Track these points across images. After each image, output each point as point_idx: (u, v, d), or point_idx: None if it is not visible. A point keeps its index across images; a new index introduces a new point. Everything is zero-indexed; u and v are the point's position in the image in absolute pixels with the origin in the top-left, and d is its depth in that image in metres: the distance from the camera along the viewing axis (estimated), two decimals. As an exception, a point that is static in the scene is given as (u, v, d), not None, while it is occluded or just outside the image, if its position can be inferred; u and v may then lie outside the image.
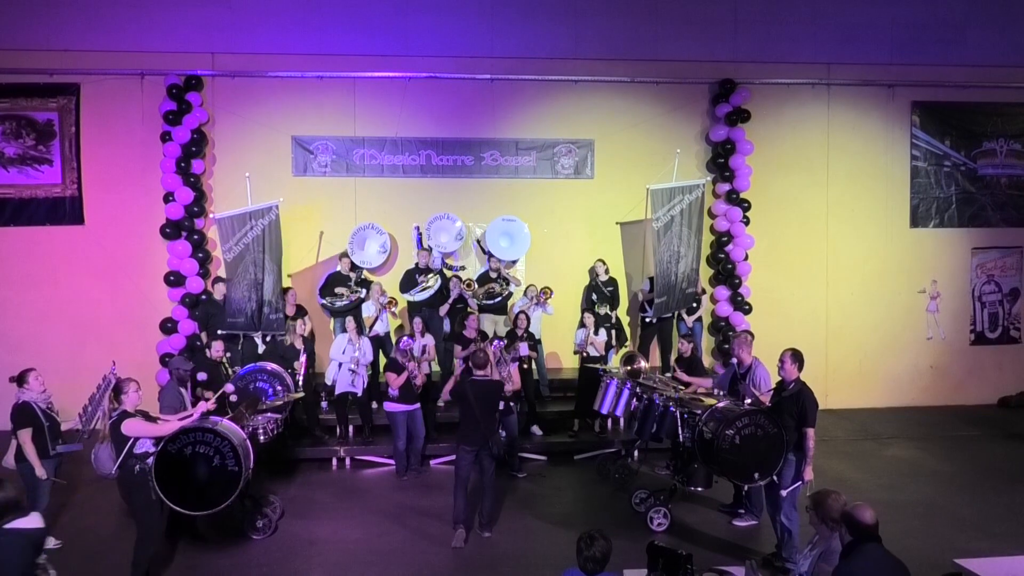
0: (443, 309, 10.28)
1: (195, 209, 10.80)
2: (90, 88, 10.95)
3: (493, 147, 11.63)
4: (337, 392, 9.45)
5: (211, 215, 10.51)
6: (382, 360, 10.05)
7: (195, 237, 10.81)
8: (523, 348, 9.48)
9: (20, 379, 6.73)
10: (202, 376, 8.46)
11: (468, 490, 7.30)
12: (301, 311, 10.44)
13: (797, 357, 6.65)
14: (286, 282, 10.56)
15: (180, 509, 6.29)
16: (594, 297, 10.75)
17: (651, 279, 10.74)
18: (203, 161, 11.01)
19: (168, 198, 10.70)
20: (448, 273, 10.69)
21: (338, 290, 10.38)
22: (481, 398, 7.13)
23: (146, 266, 10.97)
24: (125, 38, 10.89)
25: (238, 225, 9.91)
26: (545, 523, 7.66)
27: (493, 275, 10.63)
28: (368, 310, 10.22)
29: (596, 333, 9.88)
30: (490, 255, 10.84)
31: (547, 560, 6.72)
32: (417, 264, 10.55)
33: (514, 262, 11.31)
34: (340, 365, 9.36)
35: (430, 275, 10.41)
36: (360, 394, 9.42)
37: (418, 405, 8.98)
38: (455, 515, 7.23)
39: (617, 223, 11.66)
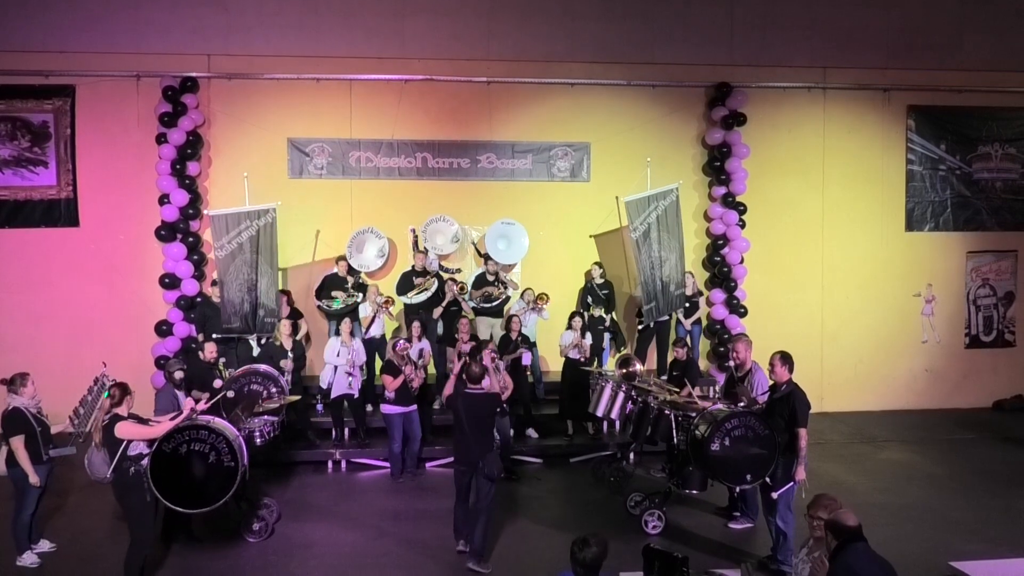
0: (436, 311, 10.24)
1: (190, 211, 10.76)
2: (85, 90, 10.91)
3: (489, 150, 11.62)
4: (333, 395, 9.40)
5: (205, 212, 10.44)
6: (378, 363, 10.04)
7: (190, 239, 10.77)
8: (526, 357, 9.46)
9: (11, 384, 6.64)
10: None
11: (470, 502, 6.82)
12: (296, 313, 10.42)
13: (786, 359, 6.68)
14: (280, 283, 10.52)
15: (178, 508, 6.27)
16: (589, 300, 10.75)
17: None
18: (199, 163, 10.98)
19: (163, 200, 10.67)
20: (444, 276, 10.67)
21: (334, 293, 10.37)
22: (473, 414, 6.58)
23: (141, 268, 10.93)
24: (121, 40, 10.84)
25: (232, 224, 9.93)
26: (540, 526, 7.64)
27: (490, 278, 10.61)
28: (365, 310, 10.21)
29: (583, 336, 9.84)
30: (487, 258, 10.82)
31: (542, 563, 6.70)
32: (414, 267, 10.51)
33: (511, 266, 11.31)
34: (336, 368, 9.34)
35: (427, 277, 10.38)
36: (356, 396, 9.41)
37: (415, 407, 8.94)
38: (456, 527, 6.94)
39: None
